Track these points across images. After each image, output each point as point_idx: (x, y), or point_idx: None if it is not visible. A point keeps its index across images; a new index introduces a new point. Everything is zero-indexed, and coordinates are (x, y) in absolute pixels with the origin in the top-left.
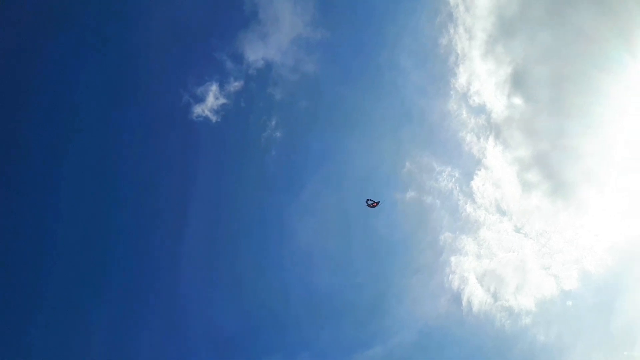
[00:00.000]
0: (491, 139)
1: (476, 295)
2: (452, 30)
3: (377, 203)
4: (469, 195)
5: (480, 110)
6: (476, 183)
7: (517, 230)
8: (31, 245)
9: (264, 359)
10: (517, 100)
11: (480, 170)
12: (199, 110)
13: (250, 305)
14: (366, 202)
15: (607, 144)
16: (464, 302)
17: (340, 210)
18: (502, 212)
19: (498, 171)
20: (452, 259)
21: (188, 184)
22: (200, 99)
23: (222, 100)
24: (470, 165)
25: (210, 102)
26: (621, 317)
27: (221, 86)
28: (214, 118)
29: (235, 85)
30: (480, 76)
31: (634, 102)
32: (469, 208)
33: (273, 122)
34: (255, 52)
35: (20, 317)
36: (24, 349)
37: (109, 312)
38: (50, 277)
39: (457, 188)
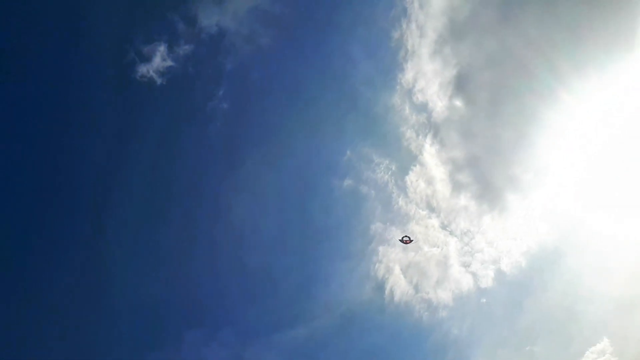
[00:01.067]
0: (429, 137)
1: (399, 286)
2: (404, 26)
3: (411, 240)
4: (403, 189)
5: (423, 108)
6: (411, 178)
7: (444, 227)
8: None
9: (185, 332)
10: (458, 103)
11: (415, 166)
12: (143, 70)
13: (176, 278)
14: (402, 239)
15: (534, 155)
16: (387, 291)
17: (278, 190)
18: (432, 209)
19: (432, 169)
20: (380, 248)
21: (123, 146)
22: (146, 59)
23: (169, 63)
24: (407, 161)
25: (157, 63)
26: (528, 316)
27: (170, 48)
28: (158, 80)
29: (185, 48)
30: (427, 74)
31: (563, 119)
32: (401, 201)
33: (221, 92)
34: (210, 17)
35: None
36: None
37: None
38: None
39: (393, 181)
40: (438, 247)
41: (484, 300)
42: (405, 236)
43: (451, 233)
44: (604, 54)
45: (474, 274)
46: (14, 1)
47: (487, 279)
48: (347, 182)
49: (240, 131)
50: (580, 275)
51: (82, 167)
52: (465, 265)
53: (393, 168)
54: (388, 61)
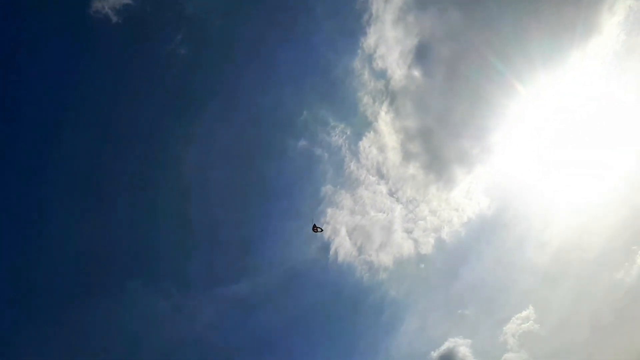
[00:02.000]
0: (386, 104)
1: (343, 247)
2: None
3: (320, 229)
4: (355, 154)
5: (382, 74)
6: (364, 144)
7: (391, 194)
8: None
9: (126, 281)
10: (416, 73)
11: (370, 132)
12: (98, 5)
13: (118, 227)
14: (313, 226)
15: (482, 132)
16: (332, 251)
17: (230, 145)
18: (381, 175)
19: (385, 137)
20: (329, 210)
21: (72, 85)
22: None
23: (126, 0)
24: (362, 126)
25: None
26: (461, 283)
27: None
28: (114, 18)
29: None
30: (388, 41)
31: (509, 103)
32: (352, 166)
33: (179, 37)
34: None
35: None
36: None
37: None
38: None
39: (346, 145)
40: (384, 213)
41: (423, 265)
42: (318, 227)
43: (397, 200)
44: (554, 49)
45: (415, 240)
46: None
47: (427, 246)
48: (302, 143)
49: (195, 79)
50: (513, 247)
51: (31, 108)
52: (408, 231)
53: (348, 132)
54: (351, 23)
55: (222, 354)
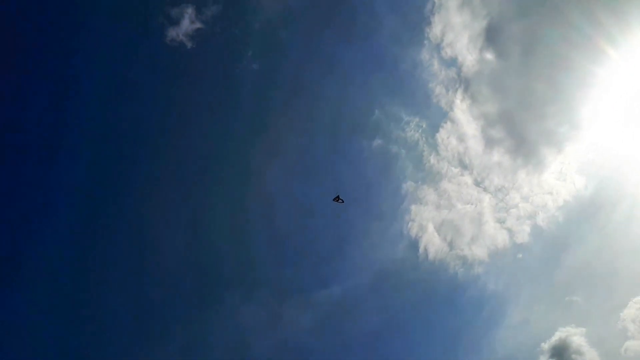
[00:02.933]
0: (460, 92)
1: (433, 243)
2: None
3: (341, 200)
4: (434, 147)
5: (452, 62)
6: (441, 135)
7: (477, 184)
8: None
9: (224, 294)
10: (489, 56)
11: (446, 123)
12: (173, 34)
13: (212, 243)
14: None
15: (569, 107)
16: (421, 249)
17: (307, 153)
18: (464, 166)
19: (463, 125)
20: (413, 207)
21: (156, 110)
22: (175, 22)
23: (198, 25)
24: (437, 118)
25: (186, 26)
26: (565, 270)
27: (198, 9)
28: (189, 44)
29: (212, 9)
30: (455, 28)
31: (599, 70)
32: (432, 159)
33: (249, 53)
34: None
35: None
36: None
37: None
38: None
39: (423, 139)
40: (472, 204)
41: (520, 255)
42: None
43: (485, 189)
44: None
45: (509, 230)
46: None
47: (523, 235)
48: (377, 142)
49: (268, 93)
50: (620, 227)
51: (115, 133)
52: (500, 221)
53: (423, 126)
54: (414, 16)
55: (321, 359)
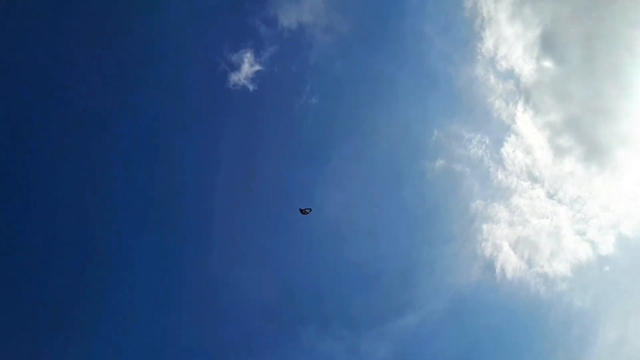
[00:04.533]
0: (520, 104)
1: (510, 262)
2: None
3: (308, 210)
4: (500, 162)
5: (509, 74)
6: (506, 150)
7: (550, 196)
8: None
9: (299, 329)
10: (547, 63)
11: (510, 136)
12: (235, 79)
13: (280, 280)
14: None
15: None
16: (497, 270)
17: (369, 181)
18: (534, 179)
19: (528, 137)
20: (484, 226)
21: (225, 155)
22: (236, 67)
23: (257, 67)
24: (499, 132)
25: (246, 69)
26: None
27: (256, 52)
28: (250, 87)
29: (270, 50)
30: (508, 40)
31: None
32: (500, 175)
33: (307, 88)
34: (289, 15)
35: None
36: None
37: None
38: None
39: (487, 155)
40: (547, 218)
41: (607, 268)
42: (305, 209)
43: (559, 201)
44: None
45: (591, 242)
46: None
47: (608, 246)
48: (439, 163)
49: (329, 125)
50: None
51: (188, 179)
52: (580, 233)
53: (486, 141)
54: (464, 33)
55: None
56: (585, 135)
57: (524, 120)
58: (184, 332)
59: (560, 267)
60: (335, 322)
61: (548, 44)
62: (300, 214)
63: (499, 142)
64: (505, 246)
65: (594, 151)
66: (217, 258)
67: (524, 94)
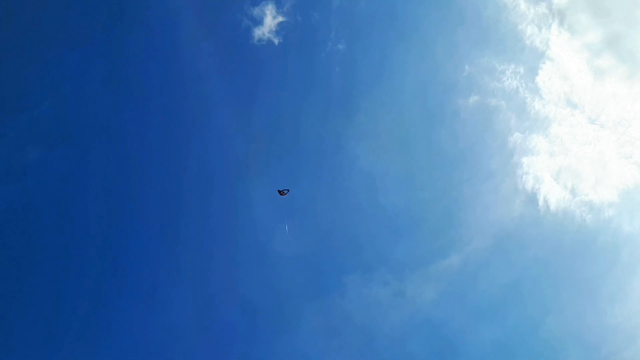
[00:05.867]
0: (554, 27)
1: (553, 194)
2: None
3: (285, 192)
4: (536, 91)
5: None
6: (542, 78)
7: (592, 121)
8: None
9: (344, 278)
10: None
11: (545, 63)
12: (259, 33)
13: (322, 230)
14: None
15: None
16: (541, 202)
17: (402, 124)
18: (574, 105)
19: (565, 61)
20: (524, 160)
21: (257, 113)
22: (259, 22)
23: (280, 19)
24: (533, 60)
25: (269, 22)
26: None
27: (277, 2)
28: (276, 40)
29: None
30: None
31: None
32: (537, 105)
33: (332, 34)
34: None
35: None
36: None
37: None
38: None
39: (523, 85)
40: (590, 145)
41: None
42: (282, 191)
43: (602, 126)
44: None
45: (638, 165)
46: None
47: None
48: (473, 99)
49: (357, 70)
50: None
51: (222, 137)
52: (626, 156)
53: (520, 71)
54: None
55: (450, 328)
56: (626, 53)
57: (559, 45)
58: (241, 281)
59: (606, 194)
60: (379, 269)
61: None
62: (279, 195)
63: (533, 71)
64: (547, 177)
65: (637, 69)
66: (261, 214)
67: (558, 16)
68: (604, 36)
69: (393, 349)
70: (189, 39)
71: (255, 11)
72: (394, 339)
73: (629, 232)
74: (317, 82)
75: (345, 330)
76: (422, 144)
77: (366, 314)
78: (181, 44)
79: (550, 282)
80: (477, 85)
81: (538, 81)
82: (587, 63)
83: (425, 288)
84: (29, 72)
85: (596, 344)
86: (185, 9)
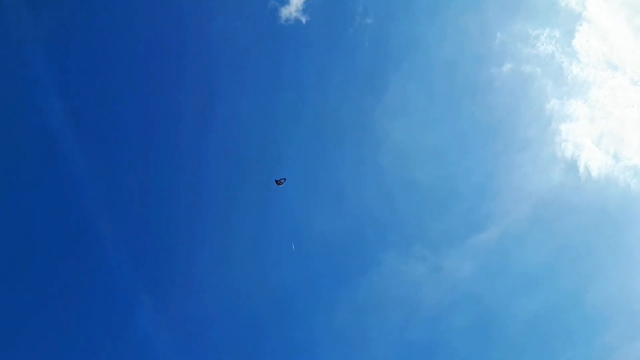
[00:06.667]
0: None
1: (594, 160)
2: None
3: (282, 181)
4: (573, 55)
5: None
6: (579, 40)
7: (634, 82)
8: None
9: (381, 256)
10: None
11: (581, 25)
12: (286, 13)
13: (355, 209)
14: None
15: None
16: (581, 169)
17: (433, 98)
18: (614, 67)
19: (603, 22)
20: (562, 126)
21: (284, 93)
22: (285, 1)
23: None
24: (569, 22)
25: (296, 1)
26: None
27: None
28: (303, 18)
29: None
30: None
31: None
32: (574, 69)
33: (360, 8)
34: None
35: None
36: None
37: None
38: None
39: (559, 50)
40: (632, 107)
41: None
42: (280, 180)
43: None
44: None
45: None
46: None
47: None
48: (506, 67)
49: (386, 44)
50: None
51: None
52: None
53: (556, 35)
54: None
55: (490, 302)
56: None
57: (597, 4)
58: (275, 263)
59: None
60: (416, 245)
61: None
62: (276, 184)
63: (569, 34)
64: (588, 143)
65: None
66: (296, 195)
67: None
68: None
69: (433, 325)
70: (215, 25)
71: None
72: (434, 314)
73: None
74: (346, 58)
75: (384, 307)
76: (455, 117)
77: (404, 291)
78: (210, 31)
79: (593, 251)
80: (510, 53)
81: (575, 44)
82: (627, 21)
83: (463, 262)
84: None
85: None
86: None
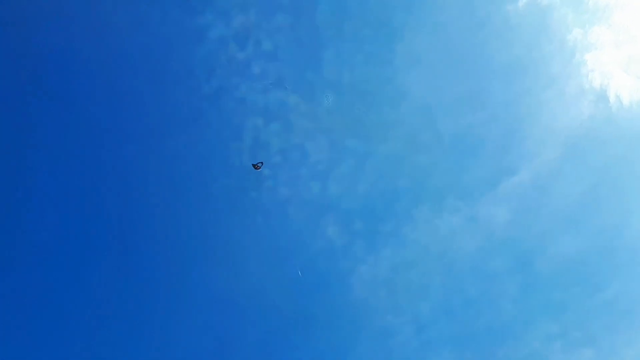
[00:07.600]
0: None
1: (624, 87)
2: None
3: (260, 165)
4: None
5: None
6: None
7: None
8: None
9: (413, 212)
10: None
11: None
12: None
13: (382, 167)
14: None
15: None
16: (612, 98)
17: (449, 43)
18: None
19: None
20: (587, 56)
21: (297, 57)
22: None
23: None
24: None
25: None
26: None
27: None
28: None
29: None
30: None
31: None
32: None
33: None
34: None
35: None
36: None
37: None
38: None
39: None
40: None
41: None
42: (257, 164)
43: None
44: None
45: None
46: None
47: None
48: (522, 1)
49: None
50: None
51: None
52: None
53: None
54: None
55: (528, 245)
56: None
57: None
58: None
59: None
60: (448, 197)
61: None
62: (253, 169)
63: None
64: (616, 71)
65: None
66: (321, 157)
67: None
68: None
69: (473, 274)
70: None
71: None
72: (473, 264)
73: None
74: (352, 9)
75: (422, 262)
76: (474, 60)
77: (441, 245)
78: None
79: (631, 182)
80: None
81: None
82: None
83: (498, 209)
84: None
85: None
86: None
